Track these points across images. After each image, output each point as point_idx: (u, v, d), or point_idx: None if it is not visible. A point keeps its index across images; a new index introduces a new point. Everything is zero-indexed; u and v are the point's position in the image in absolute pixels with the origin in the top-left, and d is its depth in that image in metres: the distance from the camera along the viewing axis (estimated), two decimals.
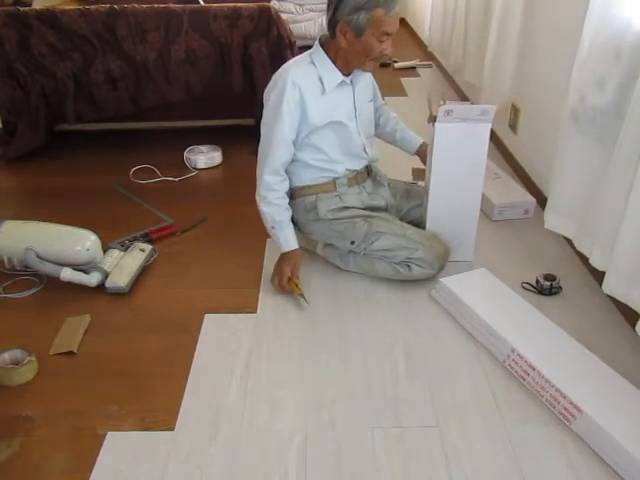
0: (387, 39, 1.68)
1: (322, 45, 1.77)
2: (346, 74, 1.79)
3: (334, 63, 1.76)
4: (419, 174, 2.10)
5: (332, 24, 1.69)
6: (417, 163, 2.11)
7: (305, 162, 1.86)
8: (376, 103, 2.04)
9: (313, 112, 1.75)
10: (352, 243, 1.85)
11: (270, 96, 1.76)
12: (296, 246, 1.84)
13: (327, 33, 1.75)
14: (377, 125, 2.08)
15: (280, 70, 1.78)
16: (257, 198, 1.83)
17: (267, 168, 1.79)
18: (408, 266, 1.81)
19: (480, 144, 1.79)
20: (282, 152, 1.78)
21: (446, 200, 1.86)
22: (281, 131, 1.75)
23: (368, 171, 1.98)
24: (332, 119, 1.79)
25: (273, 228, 1.83)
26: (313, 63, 1.76)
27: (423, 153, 2.04)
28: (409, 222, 1.97)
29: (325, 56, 1.75)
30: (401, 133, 2.11)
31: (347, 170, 1.90)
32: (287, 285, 1.80)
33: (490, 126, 1.77)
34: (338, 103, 1.80)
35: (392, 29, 1.66)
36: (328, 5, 1.69)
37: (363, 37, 1.66)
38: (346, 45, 1.70)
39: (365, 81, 1.91)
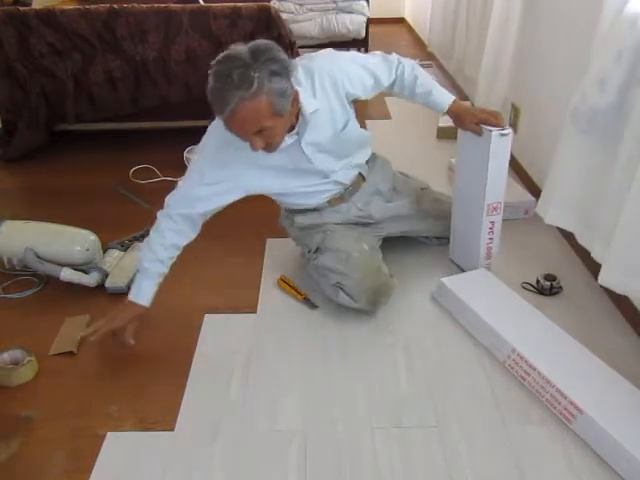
0: (252, 136, 1.41)
1: None
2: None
3: None
4: (445, 133, 1.91)
5: None
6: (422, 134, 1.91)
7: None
8: (379, 89, 1.74)
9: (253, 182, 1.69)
10: (308, 251, 1.82)
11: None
12: (145, 304, 1.56)
13: None
14: (393, 93, 1.81)
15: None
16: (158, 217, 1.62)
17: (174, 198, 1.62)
18: (339, 289, 1.68)
19: (504, 153, 1.80)
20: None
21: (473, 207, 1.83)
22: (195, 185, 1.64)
23: (363, 176, 1.84)
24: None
25: (138, 271, 1.61)
26: None
27: (455, 111, 1.75)
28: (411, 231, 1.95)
29: None
30: (422, 98, 1.77)
31: (325, 197, 1.78)
32: (102, 335, 1.54)
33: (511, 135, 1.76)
34: (279, 168, 1.64)
35: (235, 130, 1.41)
36: None
37: None
38: None
39: (328, 112, 1.60)
